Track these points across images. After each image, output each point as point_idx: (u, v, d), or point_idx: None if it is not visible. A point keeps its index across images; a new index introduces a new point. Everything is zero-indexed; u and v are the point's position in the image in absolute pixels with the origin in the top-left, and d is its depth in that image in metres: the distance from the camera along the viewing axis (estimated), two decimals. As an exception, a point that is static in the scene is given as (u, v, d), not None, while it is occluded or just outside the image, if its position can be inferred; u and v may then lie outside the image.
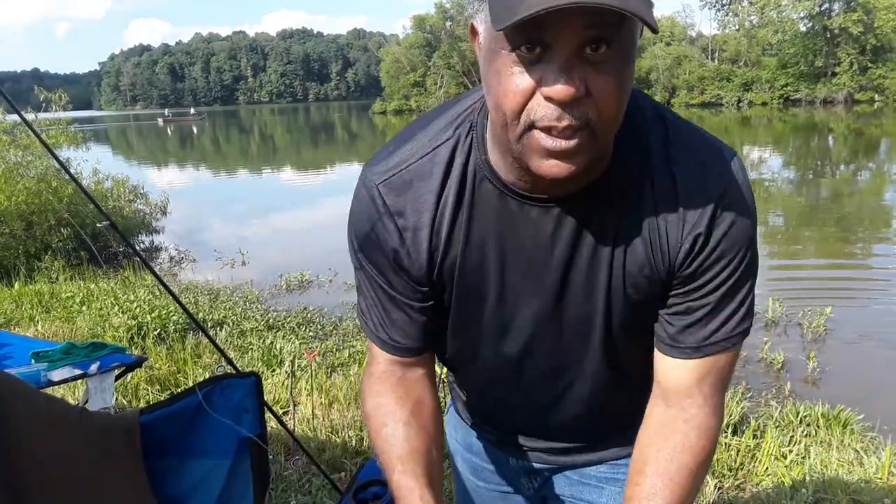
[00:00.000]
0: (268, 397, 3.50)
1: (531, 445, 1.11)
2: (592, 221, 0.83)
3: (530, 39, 0.67)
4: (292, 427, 3.17)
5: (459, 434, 1.23)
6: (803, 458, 2.91)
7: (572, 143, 0.71)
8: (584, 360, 0.96)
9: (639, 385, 0.99)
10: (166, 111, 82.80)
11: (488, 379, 1.04)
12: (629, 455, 0.97)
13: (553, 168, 0.73)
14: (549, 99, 0.68)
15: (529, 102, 0.70)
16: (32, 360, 2.22)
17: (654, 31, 0.66)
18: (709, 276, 0.84)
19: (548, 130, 0.70)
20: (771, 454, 2.91)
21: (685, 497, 0.86)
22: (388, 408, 0.94)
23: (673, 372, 0.90)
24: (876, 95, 43.22)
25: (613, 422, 1.06)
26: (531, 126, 0.71)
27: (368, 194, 0.89)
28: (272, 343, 4.60)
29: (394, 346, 0.96)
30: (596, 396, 1.00)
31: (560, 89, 0.67)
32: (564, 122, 0.69)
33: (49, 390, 2.10)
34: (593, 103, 0.69)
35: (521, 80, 0.69)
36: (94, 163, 9.64)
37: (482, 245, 0.87)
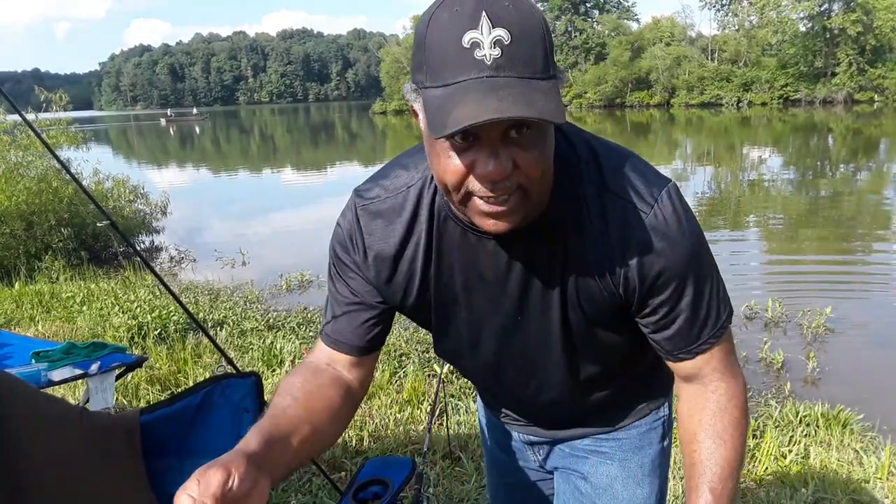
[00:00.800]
0: (268, 397, 3.50)
1: (524, 424, 1.28)
2: (541, 251, 0.95)
3: (462, 135, 0.78)
4: (292, 427, 3.17)
5: (483, 414, 1.42)
6: (803, 458, 2.91)
7: (506, 206, 0.83)
8: (548, 368, 1.08)
9: (606, 384, 1.13)
10: (169, 111, 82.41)
11: (473, 374, 1.22)
12: (611, 430, 1.21)
13: (493, 226, 0.86)
14: (481, 178, 0.80)
15: (466, 179, 0.82)
16: (33, 360, 2.22)
17: (559, 124, 0.79)
18: (662, 299, 0.96)
19: (485, 198, 0.82)
20: (771, 454, 2.92)
21: (738, 449, 1.02)
22: (288, 385, 1.00)
23: (681, 368, 1.04)
24: (875, 95, 43.22)
25: (590, 411, 1.20)
26: (470, 195, 0.83)
27: (350, 213, 1.04)
28: (272, 343, 4.60)
29: (330, 339, 1.07)
30: (566, 396, 1.13)
31: (490, 172, 0.79)
32: (497, 193, 0.82)
33: (49, 390, 2.10)
34: (521, 173, 0.81)
35: (457, 162, 0.80)
36: (95, 163, 9.63)
37: (450, 272, 1.01)
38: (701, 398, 1.03)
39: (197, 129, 54.42)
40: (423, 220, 0.98)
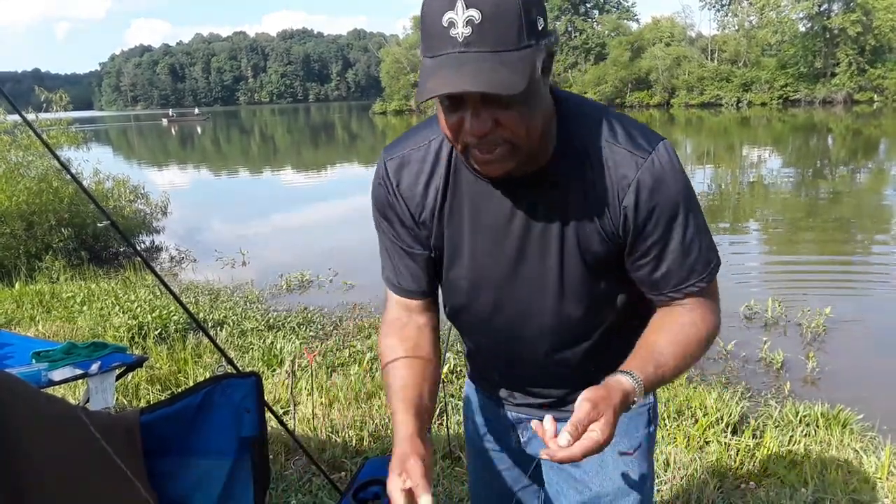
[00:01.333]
0: (268, 397, 3.50)
1: (514, 399, 1.33)
2: (543, 200, 1.07)
3: (449, 99, 0.95)
4: (292, 427, 3.17)
5: (472, 395, 1.46)
6: (803, 458, 2.91)
7: (494, 154, 0.98)
8: (541, 316, 1.16)
9: (594, 341, 1.20)
10: (170, 111, 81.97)
11: (470, 329, 1.29)
12: None
13: (488, 170, 1.03)
14: (467, 134, 0.96)
15: (461, 134, 0.97)
16: (33, 360, 2.22)
17: (515, 94, 0.88)
18: (654, 239, 1.06)
19: (477, 149, 0.98)
20: (771, 454, 2.92)
21: (687, 359, 1.09)
22: (392, 348, 1.21)
23: (665, 304, 1.14)
24: (875, 96, 43.20)
25: (576, 373, 1.22)
26: (467, 145, 0.99)
27: (380, 168, 1.19)
28: (272, 343, 4.60)
29: (400, 289, 1.24)
30: (555, 346, 1.20)
31: (473, 130, 0.95)
32: (484, 145, 0.97)
33: (50, 390, 2.10)
34: (505, 129, 0.95)
35: (451, 119, 0.97)
36: (95, 163, 9.64)
37: (460, 216, 1.14)
38: (674, 313, 1.12)
39: (199, 130, 54.35)
40: (443, 166, 1.13)
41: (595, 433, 0.93)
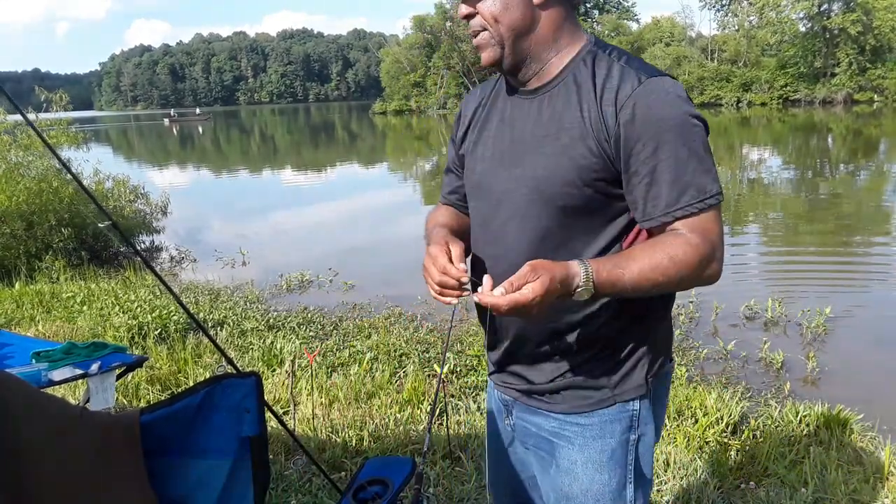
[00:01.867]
0: (268, 397, 3.51)
1: (504, 379, 1.38)
2: (557, 108, 1.20)
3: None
4: (292, 427, 3.17)
5: (490, 398, 1.53)
6: (803, 458, 2.91)
7: (477, 40, 1.23)
8: (527, 219, 1.23)
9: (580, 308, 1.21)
10: (172, 111, 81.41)
11: (476, 246, 1.36)
12: (575, 412, 1.27)
13: (482, 60, 1.25)
14: (460, 20, 1.25)
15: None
16: (33, 360, 2.22)
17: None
18: (645, 155, 1.11)
19: (473, 41, 1.25)
20: (771, 454, 2.92)
21: (652, 261, 1.09)
22: (436, 212, 1.49)
23: (659, 232, 1.16)
24: (875, 96, 43.15)
25: (554, 340, 1.25)
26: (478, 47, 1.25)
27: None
28: (272, 343, 4.60)
29: (442, 197, 1.51)
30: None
31: (459, 13, 1.23)
32: (470, 30, 1.23)
33: (50, 390, 2.10)
34: (482, 17, 1.20)
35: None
36: (95, 163, 9.64)
37: (490, 121, 1.34)
38: (666, 233, 1.14)
39: (200, 129, 54.29)
40: (488, 90, 1.39)
41: (526, 290, 1.02)
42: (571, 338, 1.24)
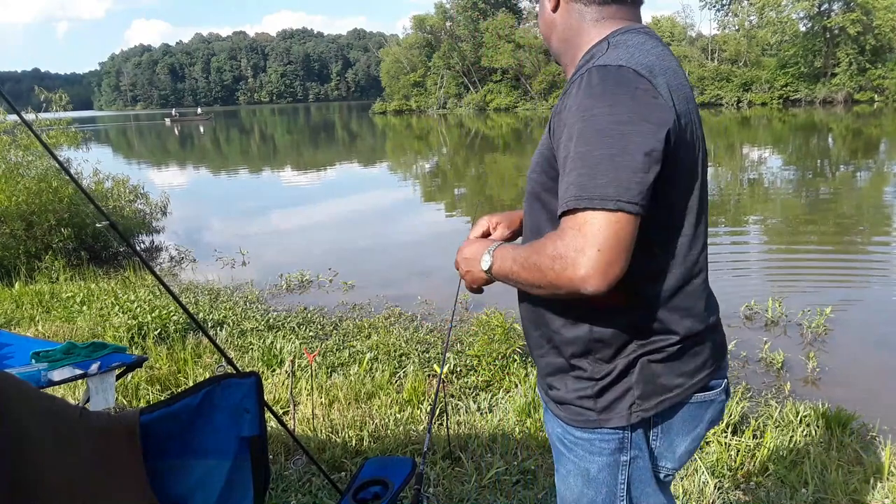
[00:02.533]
0: (268, 397, 3.51)
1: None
2: (563, 99, 1.18)
3: None
4: (292, 427, 3.17)
5: None
6: (803, 458, 2.91)
7: None
8: (527, 225, 1.34)
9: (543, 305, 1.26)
10: (173, 111, 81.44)
11: None
12: (574, 426, 1.28)
13: None
14: None
15: None
16: (33, 360, 2.22)
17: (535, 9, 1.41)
18: (563, 141, 1.10)
19: None
20: (771, 454, 2.92)
21: (528, 254, 1.13)
22: None
23: None
24: (875, 96, 43.10)
25: (545, 364, 1.31)
26: None
27: None
28: (272, 343, 4.60)
29: None
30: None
31: None
32: None
33: (49, 390, 2.10)
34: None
35: None
36: (95, 163, 9.64)
37: None
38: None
39: (202, 129, 54.28)
40: None
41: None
42: (549, 353, 1.29)
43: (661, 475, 1.35)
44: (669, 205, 1.14)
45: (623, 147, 1.03)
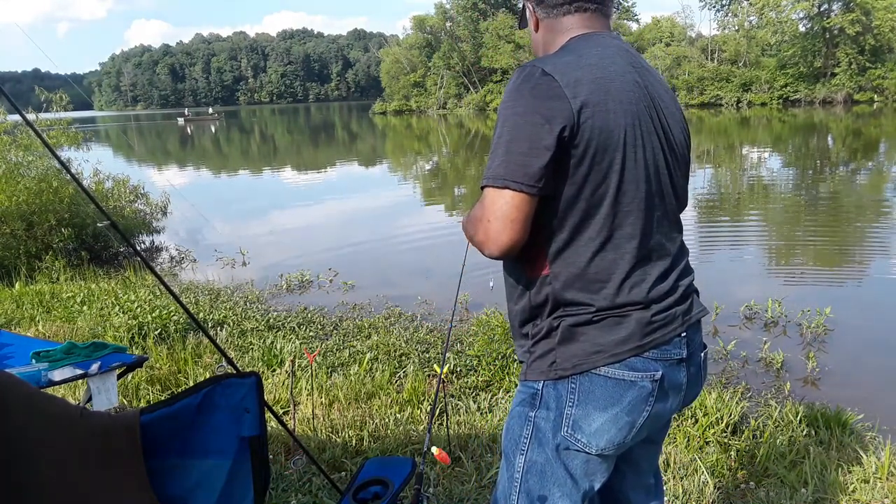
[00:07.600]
0: (268, 397, 3.51)
1: None
2: None
3: None
4: (292, 427, 3.17)
5: None
6: (803, 458, 2.91)
7: None
8: None
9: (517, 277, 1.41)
10: (186, 111, 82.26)
11: None
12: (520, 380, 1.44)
13: None
14: None
15: None
16: (33, 360, 2.22)
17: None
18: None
19: None
20: (771, 454, 2.92)
21: (467, 218, 1.37)
22: None
23: None
24: (875, 96, 43.09)
25: (512, 327, 1.48)
26: None
27: None
28: (272, 343, 4.60)
29: None
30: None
31: None
32: None
33: (50, 390, 2.10)
34: None
35: None
36: (96, 163, 9.65)
37: None
38: None
39: (213, 129, 54.46)
40: None
41: None
42: (514, 327, 1.46)
43: (575, 448, 1.36)
44: (576, 184, 1.26)
45: (516, 135, 1.23)
